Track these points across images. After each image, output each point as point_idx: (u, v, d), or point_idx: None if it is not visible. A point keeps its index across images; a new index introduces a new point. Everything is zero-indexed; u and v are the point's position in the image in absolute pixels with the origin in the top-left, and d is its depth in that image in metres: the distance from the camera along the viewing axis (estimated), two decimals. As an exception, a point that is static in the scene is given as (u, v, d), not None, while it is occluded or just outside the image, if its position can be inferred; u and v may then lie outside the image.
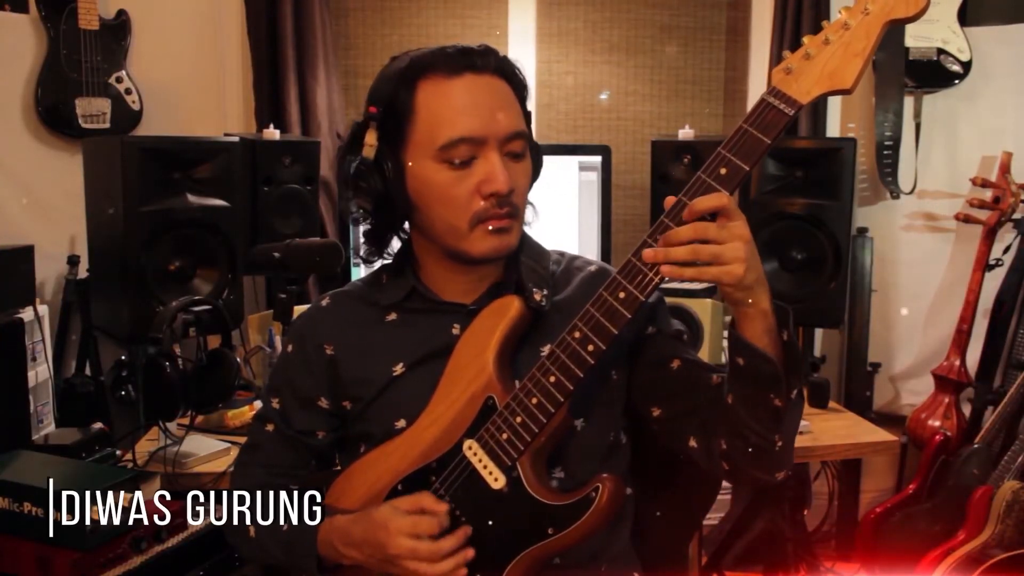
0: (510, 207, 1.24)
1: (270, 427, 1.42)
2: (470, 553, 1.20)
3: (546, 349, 1.22)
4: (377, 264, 1.41)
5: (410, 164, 1.25)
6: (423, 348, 1.32)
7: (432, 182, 1.24)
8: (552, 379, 1.17)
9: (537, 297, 1.28)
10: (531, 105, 3.21)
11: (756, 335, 1.10)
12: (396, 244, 1.39)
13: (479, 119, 1.22)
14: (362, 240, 1.37)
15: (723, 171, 1.08)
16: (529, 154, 1.30)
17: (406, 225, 1.35)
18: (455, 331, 1.31)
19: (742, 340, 1.11)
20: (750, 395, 1.13)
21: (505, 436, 1.20)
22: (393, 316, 1.36)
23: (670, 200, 1.10)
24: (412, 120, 1.24)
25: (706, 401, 1.22)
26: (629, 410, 1.36)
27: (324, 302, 1.42)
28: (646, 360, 1.32)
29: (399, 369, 1.32)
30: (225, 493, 1.42)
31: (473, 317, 1.30)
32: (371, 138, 1.26)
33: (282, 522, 1.33)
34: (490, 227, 1.24)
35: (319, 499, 1.40)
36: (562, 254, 1.42)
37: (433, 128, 1.23)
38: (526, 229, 1.39)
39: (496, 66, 1.26)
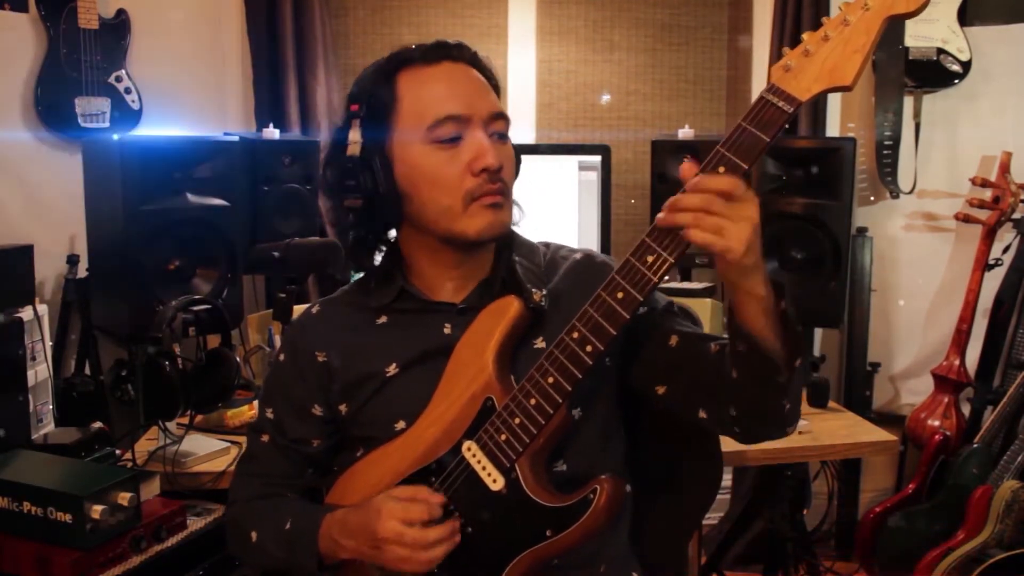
0: (501, 183, 1.26)
1: (265, 437, 1.43)
2: (456, 539, 1.20)
3: (539, 342, 1.24)
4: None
5: (398, 153, 1.27)
6: (416, 348, 1.32)
7: (422, 166, 1.25)
8: (550, 380, 1.17)
9: (536, 297, 1.28)
10: (531, 104, 3.20)
11: (753, 317, 1.10)
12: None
13: (462, 99, 1.25)
14: (350, 247, 1.36)
15: (721, 170, 1.07)
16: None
17: (391, 233, 1.37)
18: (447, 330, 1.32)
19: (742, 329, 1.11)
20: (754, 375, 1.14)
21: (504, 437, 1.20)
22: (384, 319, 1.36)
23: (687, 167, 1.08)
24: (396, 110, 1.26)
25: (709, 372, 1.22)
26: (629, 392, 1.36)
27: (314, 309, 1.43)
28: (642, 340, 1.31)
29: (393, 370, 1.32)
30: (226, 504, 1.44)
31: (463, 315, 1.31)
32: (355, 135, 1.27)
33: (284, 523, 1.34)
34: (485, 203, 1.24)
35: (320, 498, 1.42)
36: (547, 244, 1.43)
37: (419, 112, 1.25)
38: (515, 228, 1.40)
39: (471, 58, 1.30)
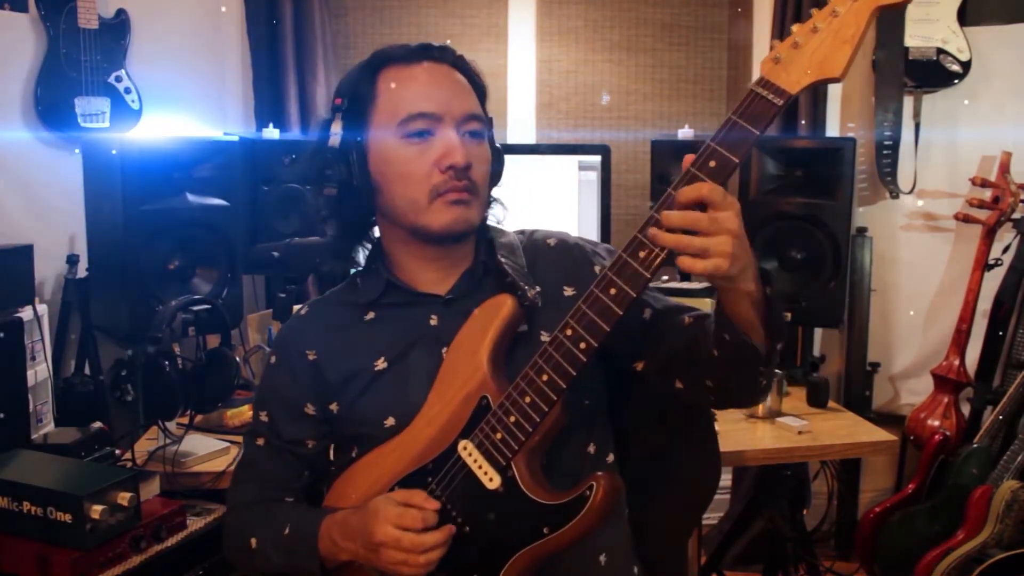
0: (468, 181, 1.28)
1: (260, 441, 1.44)
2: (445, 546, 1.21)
3: (521, 326, 1.27)
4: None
5: (373, 146, 1.30)
6: (403, 341, 1.34)
7: (393, 160, 1.29)
8: (545, 378, 1.17)
9: (531, 295, 1.30)
10: (531, 104, 3.19)
11: (743, 310, 1.12)
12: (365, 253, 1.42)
13: (436, 98, 1.28)
14: (332, 239, 1.41)
15: (712, 164, 1.07)
16: (489, 146, 1.35)
17: (373, 231, 1.39)
18: (433, 322, 1.34)
19: (727, 320, 1.13)
20: (736, 359, 1.16)
21: (499, 436, 1.20)
22: (371, 315, 1.38)
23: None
24: (374, 104, 1.30)
25: (684, 343, 1.25)
26: (609, 369, 1.38)
27: (303, 311, 1.45)
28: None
29: (381, 364, 1.34)
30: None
31: (449, 306, 1.34)
32: (336, 127, 1.31)
33: (283, 528, 1.34)
34: (449, 199, 1.27)
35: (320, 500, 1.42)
36: (522, 232, 1.45)
37: (393, 107, 1.28)
38: (498, 225, 1.41)
39: (454, 61, 1.33)
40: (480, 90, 1.36)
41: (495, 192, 1.40)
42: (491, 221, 1.41)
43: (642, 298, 1.32)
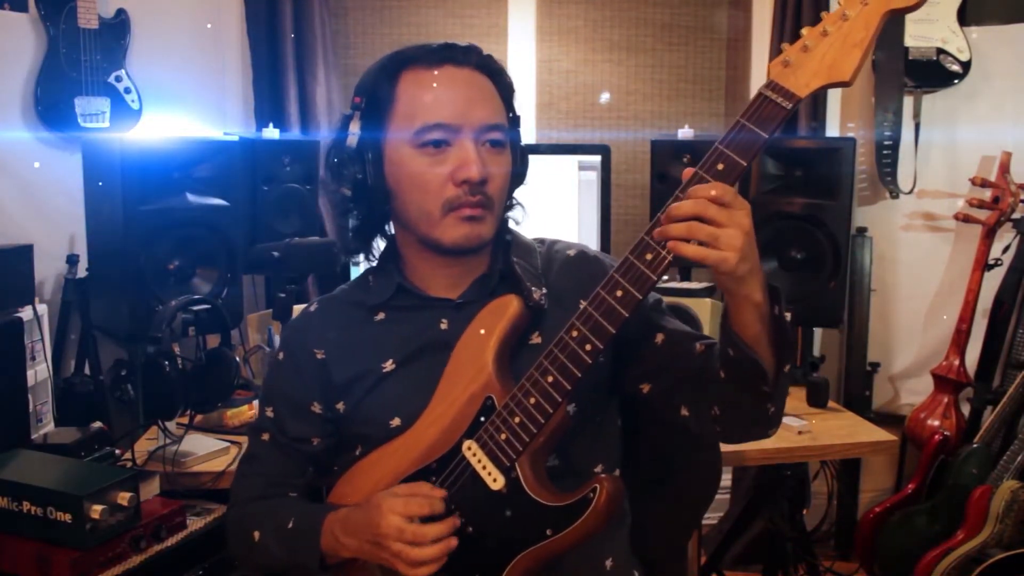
0: (482, 196, 1.26)
1: (265, 436, 1.43)
2: (453, 542, 1.19)
3: (534, 337, 1.26)
4: (363, 266, 1.43)
5: (389, 151, 1.28)
6: (412, 344, 1.33)
7: (408, 168, 1.27)
8: (550, 379, 1.16)
9: (536, 296, 1.29)
10: (531, 104, 3.19)
11: (748, 323, 1.09)
12: (381, 246, 1.41)
13: (454, 107, 1.25)
14: (350, 235, 1.39)
15: (720, 167, 1.06)
16: (510, 150, 1.32)
17: (390, 227, 1.38)
18: (443, 326, 1.33)
19: (733, 334, 1.11)
20: (741, 379, 1.14)
21: (504, 437, 1.20)
22: (381, 315, 1.37)
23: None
24: (392, 108, 1.27)
25: (693, 371, 1.23)
26: (617, 389, 1.37)
27: (313, 308, 1.44)
28: (630, 337, 1.30)
29: (389, 365, 1.33)
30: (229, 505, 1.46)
31: (460, 311, 1.32)
32: (354, 127, 1.29)
33: (287, 522, 1.34)
34: (462, 215, 1.26)
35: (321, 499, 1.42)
36: (542, 241, 1.44)
37: (411, 114, 1.26)
38: (516, 228, 1.40)
39: (478, 62, 1.30)
40: (507, 90, 1.33)
41: (518, 193, 1.38)
42: (510, 223, 1.39)
43: (657, 323, 1.31)
